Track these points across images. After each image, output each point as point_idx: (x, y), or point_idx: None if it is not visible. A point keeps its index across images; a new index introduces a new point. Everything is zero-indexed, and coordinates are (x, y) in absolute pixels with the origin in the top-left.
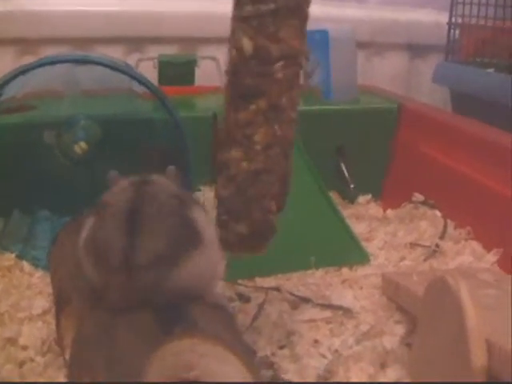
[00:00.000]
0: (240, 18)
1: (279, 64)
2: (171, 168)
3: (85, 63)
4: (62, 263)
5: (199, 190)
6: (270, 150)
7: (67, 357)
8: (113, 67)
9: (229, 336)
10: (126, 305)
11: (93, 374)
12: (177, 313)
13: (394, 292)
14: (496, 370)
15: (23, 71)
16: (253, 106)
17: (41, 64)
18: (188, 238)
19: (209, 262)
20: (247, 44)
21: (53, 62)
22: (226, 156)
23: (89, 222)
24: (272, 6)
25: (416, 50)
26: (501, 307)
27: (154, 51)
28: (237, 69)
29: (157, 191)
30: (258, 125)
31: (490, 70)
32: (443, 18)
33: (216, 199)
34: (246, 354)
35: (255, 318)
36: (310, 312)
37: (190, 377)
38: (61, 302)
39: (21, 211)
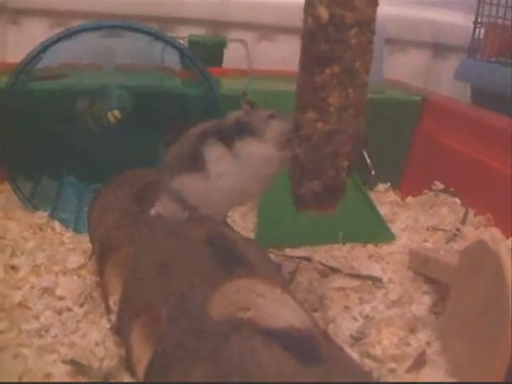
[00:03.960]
0: None
1: (353, 31)
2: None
3: (132, 31)
4: (107, 214)
5: None
6: (343, 111)
7: (111, 303)
8: (159, 37)
9: (283, 280)
10: None
11: (148, 308)
12: (235, 254)
13: (422, 264)
14: None
15: (67, 35)
16: (327, 70)
17: (85, 28)
18: (193, 162)
19: (210, 187)
20: (323, 12)
21: (98, 27)
22: (301, 117)
23: None
24: None
25: (439, 48)
26: None
27: (184, 32)
28: (313, 35)
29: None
30: (333, 88)
31: None
32: (468, 19)
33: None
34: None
35: (289, 283)
36: (340, 281)
37: (245, 317)
38: (106, 251)
39: (49, 176)
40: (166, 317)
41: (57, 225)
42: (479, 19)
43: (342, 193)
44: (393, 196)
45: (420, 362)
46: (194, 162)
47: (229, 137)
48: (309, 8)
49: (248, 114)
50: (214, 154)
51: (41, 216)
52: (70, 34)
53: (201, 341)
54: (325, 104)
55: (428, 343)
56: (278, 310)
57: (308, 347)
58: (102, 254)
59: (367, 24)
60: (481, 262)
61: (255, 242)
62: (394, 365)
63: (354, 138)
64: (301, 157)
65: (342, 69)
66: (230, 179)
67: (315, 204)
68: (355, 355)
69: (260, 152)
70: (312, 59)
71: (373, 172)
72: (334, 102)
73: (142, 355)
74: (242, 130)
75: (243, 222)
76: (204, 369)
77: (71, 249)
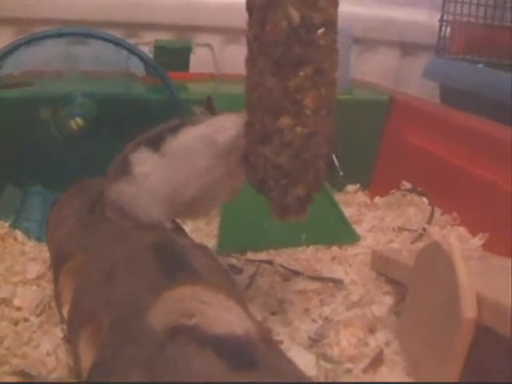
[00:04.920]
0: None
1: (321, 31)
2: None
3: (90, 38)
4: (62, 223)
5: None
6: (318, 112)
7: (65, 312)
8: (119, 44)
9: (230, 286)
10: None
11: (93, 317)
12: (180, 261)
13: (383, 265)
14: (486, 323)
15: (26, 42)
16: (302, 73)
17: (44, 36)
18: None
19: (138, 190)
20: (295, 14)
21: (57, 34)
22: (272, 125)
23: None
24: None
25: (407, 47)
26: (486, 274)
27: (150, 37)
28: (287, 39)
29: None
30: (307, 90)
31: (480, 66)
32: (434, 17)
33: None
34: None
35: (248, 287)
36: (301, 284)
37: (190, 324)
38: (60, 260)
39: (14, 185)
40: (107, 326)
41: (19, 234)
42: (445, 17)
43: (316, 193)
44: (362, 197)
45: (377, 361)
46: (123, 169)
47: (160, 137)
48: (279, 11)
49: (202, 113)
50: (139, 156)
51: (2, 226)
52: (28, 41)
53: (138, 350)
54: (300, 107)
55: (387, 343)
56: (222, 317)
57: (243, 353)
58: (56, 263)
59: (332, 24)
60: (434, 263)
61: (206, 248)
62: (350, 365)
63: (328, 138)
64: (285, 165)
65: (315, 70)
66: (157, 177)
67: (297, 211)
68: (312, 357)
69: (191, 137)
70: (285, 63)
71: (341, 173)
72: (310, 104)
73: (89, 365)
74: (180, 126)
75: (208, 228)
76: (137, 374)
77: (32, 258)
